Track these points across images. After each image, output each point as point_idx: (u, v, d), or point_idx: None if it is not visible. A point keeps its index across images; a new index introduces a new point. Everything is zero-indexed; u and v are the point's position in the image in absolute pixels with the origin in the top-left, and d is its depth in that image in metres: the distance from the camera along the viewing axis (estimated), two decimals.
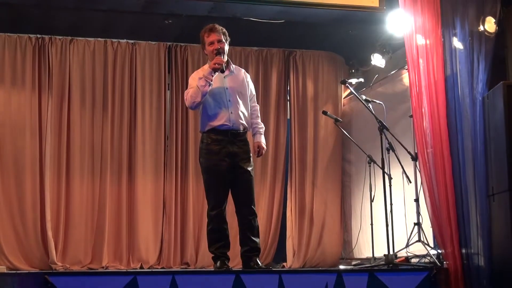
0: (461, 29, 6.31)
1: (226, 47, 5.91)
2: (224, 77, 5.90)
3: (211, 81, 5.76)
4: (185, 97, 5.96)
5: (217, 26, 5.92)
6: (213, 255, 5.88)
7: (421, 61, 6.36)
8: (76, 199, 8.61)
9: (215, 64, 5.73)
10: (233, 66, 6.06)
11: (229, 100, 5.89)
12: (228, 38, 5.95)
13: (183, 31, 8.63)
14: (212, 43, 5.87)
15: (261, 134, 6.11)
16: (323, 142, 9.43)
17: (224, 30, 5.94)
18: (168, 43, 9.12)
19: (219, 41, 5.87)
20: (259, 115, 6.19)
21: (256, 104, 6.20)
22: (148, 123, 8.94)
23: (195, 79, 5.88)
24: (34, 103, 8.62)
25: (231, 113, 5.87)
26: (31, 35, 8.68)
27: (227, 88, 5.91)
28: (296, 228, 9.22)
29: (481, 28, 6.25)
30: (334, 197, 9.41)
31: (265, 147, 6.09)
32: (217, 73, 5.79)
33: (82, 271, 8.05)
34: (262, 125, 6.18)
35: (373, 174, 8.08)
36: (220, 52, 5.82)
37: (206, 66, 5.99)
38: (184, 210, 8.93)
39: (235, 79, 6.00)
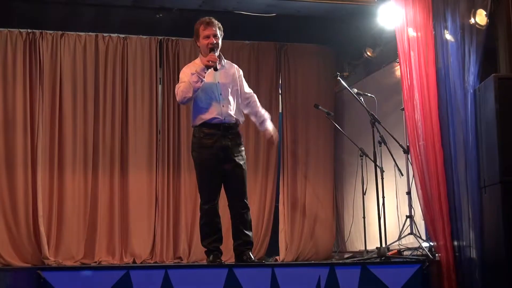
0: (452, 21, 6.31)
1: (220, 42, 5.90)
2: (215, 71, 5.87)
3: (204, 77, 5.73)
4: (175, 92, 5.91)
5: (214, 20, 5.89)
6: (206, 249, 5.88)
7: (412, 54, 6.37)
8: (68, 194, 8.58)
9: (208, 61, 5.71)
10: (225, 60, 6.04)
11: (220, 94, 5.88)
12: (222, 33, 5.94)
13: (174, 25, 8.60)
14: (208, 36, 5.84)
15: (268, 119, 6.08)
16: (315, 136, 9.44)
17: (220, 25, 5.92)
18: (159, 37, 9.08)
19: (215, 35, 5.85)
20: (259, 104, 6.12)
21: (253, 94, 6.13)
22: (140, 118, 8.91)
23: (186, 74, 5.86)
24: (25, 98, 8.57)
25: (223, 106, 5.86)
26: (22, 30, 8.63)
27: (218, 82, 5.90)
28: (288, 222, 9.22)
29: (472, 20, 6.24)
30: (327, 190, 9.42)
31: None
32: (210, 70, 5.77)
33: (74, 266, 8.02)
34: (267, 112, 6.12)
35: (365, 167, 8.09)
36: (214, 48, 5.80)
37: (198, 61, 5.97)
38: (177, 204, 8.91)
39: (226, 73, 5.98)
